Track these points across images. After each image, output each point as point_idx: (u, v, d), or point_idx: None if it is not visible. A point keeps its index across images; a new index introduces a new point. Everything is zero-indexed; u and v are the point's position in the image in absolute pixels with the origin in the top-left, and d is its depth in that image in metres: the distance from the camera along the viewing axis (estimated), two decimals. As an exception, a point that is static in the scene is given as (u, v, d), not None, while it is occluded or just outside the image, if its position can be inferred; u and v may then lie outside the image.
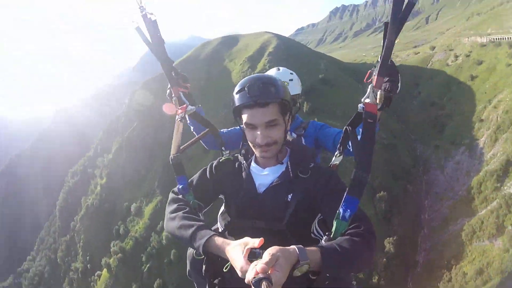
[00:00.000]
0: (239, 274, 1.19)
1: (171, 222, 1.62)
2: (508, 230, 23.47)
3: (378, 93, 1.64)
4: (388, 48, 1.59)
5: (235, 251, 1.25)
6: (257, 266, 1.04)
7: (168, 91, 2.24)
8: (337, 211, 1.44)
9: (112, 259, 43.07)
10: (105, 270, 44.26)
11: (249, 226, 1.71)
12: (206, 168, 1.90)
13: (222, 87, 55.17)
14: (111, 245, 44.15)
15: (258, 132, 1.63)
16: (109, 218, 48.86)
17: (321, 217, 1.68)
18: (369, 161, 1.53)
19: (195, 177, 1.90)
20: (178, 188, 1.79)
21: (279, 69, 2.91)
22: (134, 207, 46.14)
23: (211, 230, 1.52)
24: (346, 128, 1.77)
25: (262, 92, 1.58)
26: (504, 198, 26.30)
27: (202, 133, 2.30)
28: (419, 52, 60.52)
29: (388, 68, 1.62)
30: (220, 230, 1.82)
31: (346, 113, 39.88)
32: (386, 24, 1.58)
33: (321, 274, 1.23)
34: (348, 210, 1.43)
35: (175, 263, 35.77)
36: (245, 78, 1.71)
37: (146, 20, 1.97)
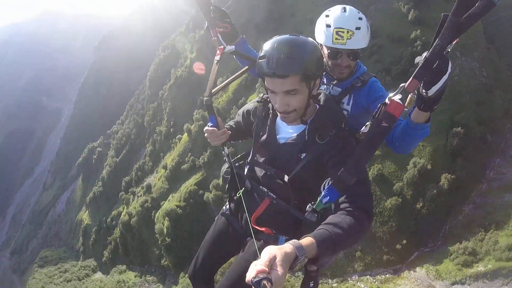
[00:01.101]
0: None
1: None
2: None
3: (409, 96, 1.69)
4: (436, 52, 1.53)
5: None
6: (257, 266, 1.15)
7: (205, 29, 2.55)
8: (321, 192, 1.79)
9: (193, 125, 51.30)
10: (185, 134, 53.09)
11: (263, 168, 2.16)
12: (240, 111, 2.45)
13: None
14: (194, 113, 51.99)
15: (278, 99, 1.86)
16: (195, 89, 55.75)
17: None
18: (359, 166, 1.70)
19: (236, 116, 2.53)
20: (208, 126, 2.32)
21: (344, 10, 2.45)
22: (219, 81, 52.75)
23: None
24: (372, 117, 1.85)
25: (281, 65, 1.72)
26: None
27: (243, 69, 2.61)
28: None
29: (434, 68, 1.56)
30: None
31: None
32: (444, 16, 1.48)
33: (317, 261, 1.40)
34: (328, 197, 1.74)
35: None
36: (271, 41, 1.82)
37: None
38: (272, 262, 1.16)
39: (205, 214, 42.76)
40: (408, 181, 30.46)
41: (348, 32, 2.34)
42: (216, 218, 2.62)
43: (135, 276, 50.12)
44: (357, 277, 29.59)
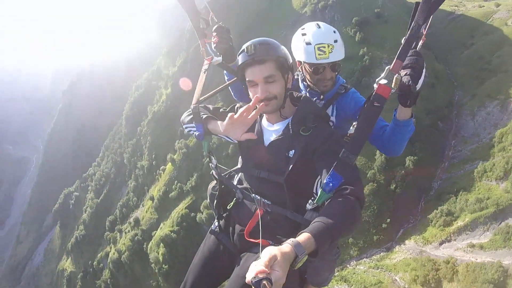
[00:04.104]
0: (222, 130, 2.02)
1: (185, 114, 2.37)
2: (514, 176, 30.17)
3: (394, 77, 1.84)
4: (413, 32, 1.77)
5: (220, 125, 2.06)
6: (256, 266, 1.19)
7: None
8: (323, 182, 1.81)
9: (176, 154, 54.85)
10: (169, 164, 56.19)
11: (254, 175, 2.17)
12: (233, 107, 2.37)
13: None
14: (176, 143, 55.82)
15: (259, 88, 1.99)
16: (174, 122, 59.32)
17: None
18: (360, 144, 1.83)
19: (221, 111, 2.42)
20: (195, 135, 2.25)
21: (319, 27, 2.59)
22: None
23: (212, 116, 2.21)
24: (364, 103, 2.05)
25: (258, 51, 1.96)
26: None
27: (229, 82, 2.70)
28: (483, 6, 64.04)
29: (412, 54, 1.82)
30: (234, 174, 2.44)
31: (394, 47, 46.62)
32: (417, 4, 1.75)
33: (317, 254, 1.43)
34: (331, 184, 1.77)
35: (230, 156, 45.11)
36: (248, 41, 2.04)
37: None
38: (272, 263, 1.21)
39: (199, 235, 45.09)
40: (379, 168, 36.40)
41: (329, 46, 2.49)
42: (204, 238, 2.52)
43: (134, 315, 50.58)
44: (355, 262, 33.46)
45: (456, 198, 32.58)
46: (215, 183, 2.43)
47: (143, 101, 74.71)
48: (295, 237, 1.40)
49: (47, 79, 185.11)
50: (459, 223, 30.30)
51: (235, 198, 2.23)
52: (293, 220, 2.03)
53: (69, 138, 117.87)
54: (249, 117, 1.95)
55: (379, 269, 31.34)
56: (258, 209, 2.08)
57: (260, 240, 1.74)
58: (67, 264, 76.50)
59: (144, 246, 52.15)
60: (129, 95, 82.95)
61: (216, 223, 2.45)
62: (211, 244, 2.41)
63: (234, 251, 2.27)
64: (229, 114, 1.98)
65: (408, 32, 1.81)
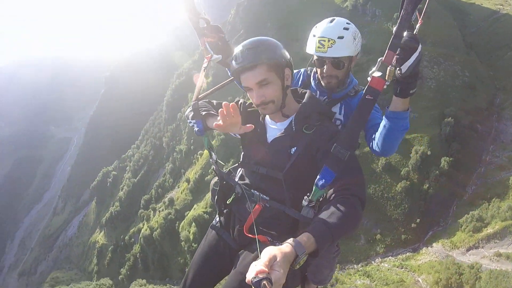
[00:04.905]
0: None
1: (188, 110, 2.32)
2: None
3: (388, 69, 1.79)
4: (403, 20, 1.74)
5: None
6: (256, 266, 1.18)
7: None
8: (316, 178, 1.81)
9: (214, 140, 56.97)
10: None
11: (253, 170, 2.15)
12: (237, 101, 2.33)
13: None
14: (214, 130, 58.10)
15: (254, 93, 1.96)
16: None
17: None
18: (352, 139, 1.83)
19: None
20: (195, 131, 2.26)
21: (331, 21, 2.53)
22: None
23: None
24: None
25: (245, 57, 1.90)
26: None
27: (230, 79, 2.66)
28: (530, 5, 61.35)
29: (405, 36, 1.76)
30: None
31: (436, 43, 47.78)
32: None
33: (317, 255, 1.43)
34: (323, 180, 1.78)
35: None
36: (239, 46, 1.99)
37: None
38: (272, 263, 1.21)
39: (231, 218, 47.14)
40: (413, 166, 36.29)
41: (329, 40, 2.42)
42: (206, 233, 2.50)
43: (157, 289, 52.53)
44: (380, 258, 33.60)
45: (489, 205, 32.19)
46: (217, 179, 2.40)
47: (184, 89, 77.41)
48: (294, 235, 1.47)
49: (91, 66, 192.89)
50: (489, 230, 30.01)
51: (234, 194, 2.23)
52: (292, 216, 2.01)
53: (110, 122, 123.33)
54: (232, 116, 1.81)
55: (403, 269, 31.49)
56: (256, 205, 2.07)
57: (257, 236, 1.80)
58: (99, 237, 79.90)
59: (176, 225, 54.21)
60: (171, 83, 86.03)
61: (217, 219, 2.46)
62: (212, 239, 2.41)
63: (234, 246, 2.27)
64: (216, 120, 1.89)
65: (398, 21, 1.79)
